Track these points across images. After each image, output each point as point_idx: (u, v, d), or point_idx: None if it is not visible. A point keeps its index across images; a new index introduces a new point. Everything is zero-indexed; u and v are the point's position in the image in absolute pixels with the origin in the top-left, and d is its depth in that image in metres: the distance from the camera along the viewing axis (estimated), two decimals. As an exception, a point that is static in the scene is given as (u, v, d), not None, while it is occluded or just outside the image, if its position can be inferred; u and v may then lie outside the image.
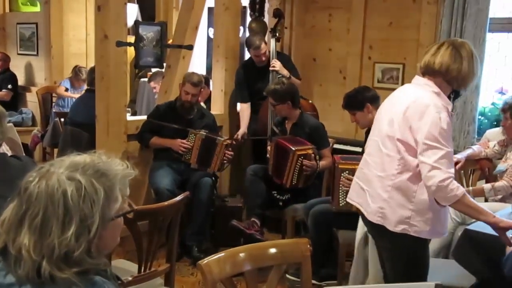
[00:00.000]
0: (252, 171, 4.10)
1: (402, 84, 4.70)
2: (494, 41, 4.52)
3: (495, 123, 4.36)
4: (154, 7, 7.16)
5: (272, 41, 4.78)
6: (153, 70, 6.31)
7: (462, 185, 3.24)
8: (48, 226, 1.18)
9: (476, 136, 4.28)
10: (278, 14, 4.98)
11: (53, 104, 6.57)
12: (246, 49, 4.94)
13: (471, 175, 3.86)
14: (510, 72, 4.53)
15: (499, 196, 3.34)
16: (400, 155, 2.28)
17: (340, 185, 3.35)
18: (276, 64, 4.62)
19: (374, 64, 4.94)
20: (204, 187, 4.00)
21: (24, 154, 4.17)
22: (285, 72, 4.60)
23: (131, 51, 4.92)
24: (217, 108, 5.05)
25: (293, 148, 3.79)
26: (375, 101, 3.60)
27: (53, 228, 1.17)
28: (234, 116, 5.08)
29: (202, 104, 4.77)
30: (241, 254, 1.88)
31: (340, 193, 3.35)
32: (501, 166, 3.48)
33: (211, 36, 5.95)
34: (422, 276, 2.33)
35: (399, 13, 4.75)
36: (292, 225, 3.98)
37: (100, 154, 1.30)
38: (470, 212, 2.27)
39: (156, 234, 2.54)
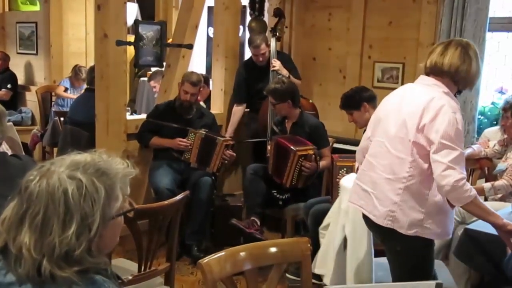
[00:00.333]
0: (252, 170, 4.10)
1: (402, 83, 4.71)
2: (493, 40, 4.53)
3: (495, 122, 4.36)
4: (154, 6, 7.17)
5: (273, 41, 4.78)
6: (153, 69, 6.31)
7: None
8: (48, 224, 1.18)
9: (476, 136, 4.28)
10: (278, 13, 4.98)
11: (53, 103, 6.56)
12: (246, 48, 4.94)
13: (471, 174, 3.86)
14: (509, 71, 4.54)
15: (499, 195, 3.35)
16: (412, 157, 2.25)
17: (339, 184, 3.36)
18: (276, 64, 4.61)
19: (374, 64, 4.95)
20: (204, 187, 3.99)
21: (23, 153, 4.16)
22: (284, 72, 4.60)
23: (130, 50, 4.92)
24: (217, 107, 5.05)
25: (294, 149, 3.79)
26: (372, 101, 3.62)
27: (54, 226, 1.17)
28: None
29: (202, 103, 4.77)
30: (242, 253, 1.88)
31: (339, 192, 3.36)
32: (501, 165, 3.48)
33: (211, 35, 5.95)
34: (428, 276, 2.32)
35: (399, 12, 4.75)
36: (292, 224, 3.98)
37: (101, 153, 1.29)
38: (480, 213, 2.26)
39: (156, 233, 2.54)
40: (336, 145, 4.62)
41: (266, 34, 4.98)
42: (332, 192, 3.47)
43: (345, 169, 3.40)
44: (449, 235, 2.38)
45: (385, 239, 2.44)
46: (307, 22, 5.39)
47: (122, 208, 1.29)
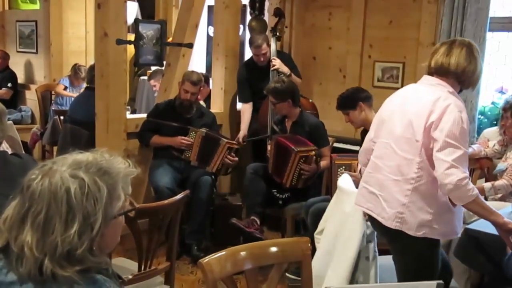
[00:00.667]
0: (252, 169, 4.10)
1: (402, 83, 4.71)
2: (494, 40, 4.53)
3: (495, 122, 4.36)
4: (154, 5, 7.16)
5: (273, 40, 4.78)
6: (153, 68, 6.31)
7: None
8: (51, 223, 1.17)
9: (476, 136, 4.28)
10: (278, 13, 4.98)
11: (52, 102, 6.56)
12: (246, 47, 4.94)
13: (471, 174, 3.86)
14: (510, 71, 4.54)
15: (499, 195, 3.35)
16: (421, 158, 2.25)
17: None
18: (276, 62, 4.61)
19: (374, 63, 4.94)
20: (204, 186, 3.99)
21: (23, 152, 4.16)
22: (285, 69, 4.60)
23: (130, 49, 4.92)
24: (217, 106, 5.05)
25: (295, 149, 3.78)
26: (368, 100, 3.63)
27: (56, 225, 1.17)
28: (234, 115, 5.07)
29: (202, 102, 4.77)
30: (242, 253, 1.88)
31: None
32: (501, 165, 3.49)
33: (211, 34, 5.94)
34: (433, 276, 2.32)
35: (399, 12, 4.75)
36: (291, 223, 3.98)
37: (103, 152, 1.29)
38: (481, 212, 2.25)
39: (156, 232, 2.54)
40: (336, 145, 4.62)
41: (266, 33, 4.98)
42: (332, 191, 3.47)
43: (343, 167, 3.41)
44: (457, 234, 2.38)
45: (392, 240, 2.43)
46: (307, 22, 5.38)
47: (124, 207, 1.29)
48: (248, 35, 5.29)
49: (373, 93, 3.84)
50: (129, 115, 4.61)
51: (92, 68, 4.85)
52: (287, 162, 3.83)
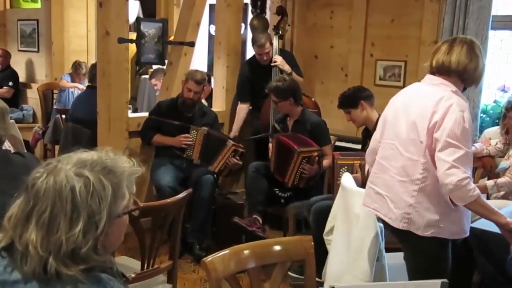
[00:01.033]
0: (254, 168, 4.09)
1: (404, 81, 4.71)
2: (496, 38, 4.52)
3: (497, 120, 4.35)
4: (155, 4, 7.16)
5: (275, 39, 4.77)
6: (154, 67, 6.31)
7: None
8: (55, 222, 1.17)
9: (478, 134, 4.27)
10: (281, 11, 4.97)
11: (54, 101, 6.56)
12: (247, 46, 4.93)
13: (474, 172, 3.86)
14: (512, 69, 4.53)
15: (502, 193, 3.34)
16: (425, 158, 2.25)
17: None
18: (278, 59, 4.61)
19: (376, 62, 4.94)
20: (206, 184, 3.99)
21: (25, 151, 4.16)
22: (286, 67, 4.60)
23: (132, 47, 4.92)
24: (219, 105, 5.05)
25: (298, 150, 3.77)
26: (369, 99, 3.63)
27: (61, 224, 1.17)
28: (235, 114, 5.07)
29: (203, 101, 4.76)
30: (245, 252, 1.88)
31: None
32: (503, 163, 3.48)
33: (213, 33, 5.94)
34: (444, 275, 2.32)
35: (401, 10, 4.74)
36: (293, 222, 3.98)
37: (107, 151, 1.29)
38: (483, 212, 2.25)
39: (158, 231, 2.54)
40: (338, 143, 4.62)
41: (268, 31, 4.97)
42: (334, 190, 3.46)
43: (345, 167, 3.39)
44: (466, 233, 2.36)
45: (402, 240, 2.44)
46: (309, 20, 5.38)
47: (128, 206, 1.29)
48: (250, 34, 5.29)
49: (375, 91, 3.84)
50: (130, 114, 4.62)
51: (93, 66, 4.85)
52: (289, 162, 3.82)
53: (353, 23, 5.03)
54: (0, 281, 1.19)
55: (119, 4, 4.01)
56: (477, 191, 2.17)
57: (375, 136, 2.60)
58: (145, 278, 2.54)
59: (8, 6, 7.62)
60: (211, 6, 5.76)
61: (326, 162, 3.93)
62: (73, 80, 6.37)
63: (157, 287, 2.65)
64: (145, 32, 4.42)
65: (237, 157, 4.10)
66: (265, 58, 4.65)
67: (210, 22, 6.42)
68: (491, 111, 4.53)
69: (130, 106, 5.22)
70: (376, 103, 3.71)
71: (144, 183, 4.35)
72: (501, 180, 3.34)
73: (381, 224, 2.61)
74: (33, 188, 1.20)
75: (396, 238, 2.50)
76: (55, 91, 6.65)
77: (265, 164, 4.14)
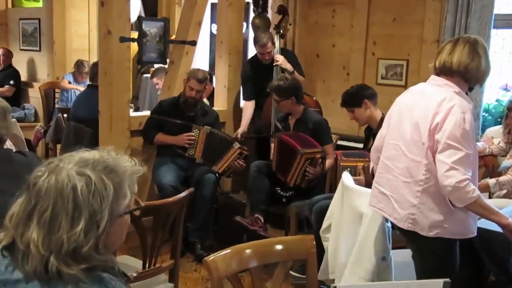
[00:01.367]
0: (255, 167, 4.09)
1: (406, 80, 4.70)
2: (498, 37, 4.51)
3: (499, 119, 4.35)
4: (157, 3, 7.16)
5: (276, 38, 4.77)
6: (156, 66, 6.31)
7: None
8: (57, 221, 1.17)
9: (480, 133, 4.27)
10: (282, 10, 4.97)
11: (57, 100, 6.57)
12: (249, 45, 4.93)
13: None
14: (514, 68, 4.53)
15: (504, 191, 3.33)
16: (427, 160, 2.26)
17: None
18: (279, 58, 4.61)
19: (377, 61, 4.93)
20: (208, 183, 3.99)
21: (27, 150, 4.16)
22: (288, 66, 4.60)
23: (133, 47, 4.91)
24: (220, 104, 5.05)
25: (302, 151, 3.75)
26: (373, 98, 3.62)
27: (62, 223, 1.17)
28: (237, 113, 5.07)
29: (205, 100, 4.76)
30: (247, 251, 1.87)
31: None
32: (506, 162, 3.47)
33: (214, 32, 5.93)
34: (452, 274, 2.32)
35: (403, 9, 4.73)
36: (295, 221, 3.97)
37: (109, 150, 1.29)
38: (483, 213, 2.25)
39: (160, 230, 2.53)
40: (339, 142, 4.62)
41: (270, 30, 4.96)
42: (336, 190, 3.45)
43: (348, 169, 3.37)
44: (473, 233, 2.35)
45: (409, 240, 2.46)
46: (311, 19, 5.37)
47: (130, 206, 1.29)
48: (251, 33, 5.28)
49: (377, 90, 3.83)
50: (132, 113, 4.62)
51: (94, 65, 4.85)
52: (292, 163, 3.81)
53: (355, 22, 5.03)
54: (2, 280, 1.19)
55: (121, 3, 4.01)
56: (477, 192, 2.18)
57: (381, 132, 2.60)
58: (146, 277, 2.54)
59: (10, 5, 7.63)
60: (213, 5, 5.76)
61: (328, 162, 3.93)
62: (75, 79, 6.37)
63: (158, 286, 2.65)
64: (147, 31, 4.41)
65: (242, 160, 4.09)
66: (267, 57, 4.64)
67: (212, 21, 6.42)
68: (493, 110, 4.53)
69: (132, 105, 5.22)
70: (378, 102, 3.70)
71: (145, 182, 4.35)
72: (503, 178, 3.34)
73: (389, 224, 2.61)
74: (34, 187, 1.20)
75: (404, 238, 2.52)
76: (56, 90, 6.66)
77: (267, 163, 4.14)
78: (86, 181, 1.19)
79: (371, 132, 3.69)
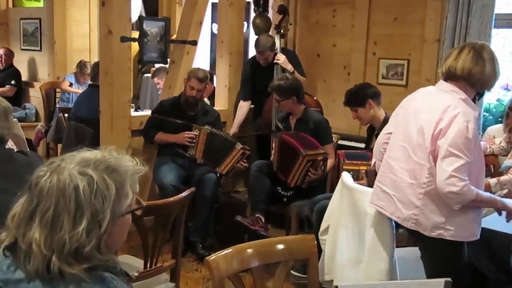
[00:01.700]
0: (256, 166, 4.08)
1: (407, 80, 4.71)
2: (499, 37, 4.51)
3: (500, 119, 4.34)
4: (157, 3, 7.16)
5: (277, 37, 4.77)
6: (156, 65, 6.31)
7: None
8: (59, 220, 1.17)
9: (481, 133, 4.27)
10: (283, 10, 4.97)
11: (57, 99, 6.58)
12: (250, 45, 4.94)
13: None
14: (515, 68, 4.52)
15: (505, 191, 3.33)
16: (429, 164, 2.29)
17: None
18: (281, 57, 4.61)
19: (378, 60, 4.94)
20: (209, 183, 3.99)
21: (28, 150, 4.16)
22: (289, 66, 4.60)
23: (134, 46, 4.91)
24: (221, 103, 5.05)
25: (304, 153, 3.74)
26: (376, 97, 3.61)
27: (64, 223, 1.17)
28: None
29: (206, 100, 4.76)
30: (249, 250, 1.88)
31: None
32: (507, 162, 3.47)
33: (215, 31, 5.94)
34: (459, 274, 2.33)
35: (404, 8, 4.73)
36: (296, 221, 3.97)
37: (111, 150, 1.29)
38: (483, 206, 2.34)
39: (161, 229, 2.54)
40: (340, 142, 4.61)
41: (270, 31, 4.97)
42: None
43: (351, 172, 3.36)
44: (476, 236, 2.37)
45: (415, 239, 2.50)
46: (311, 19, 5.37)
47: (131, 205, 1.29)
48: (252, 33, 5.29)
49: (378, 90, 3.83)
50: (133, 113, 4.62)
51: (95, 65, 4.85)
52: (293, 163, 3.80)
53: (356, 22, 5.03)
54: (4, 280, 1.19)
55: (122, 3, 4.01)
56: (475, 192, 2.22)
57: (388, 127, 2.64)
58: (148, 277, 2.54)
59: (10, 5, 7.63)
60: (214, 4, 5.76)
61: (330, 162, 3.92)
62: (77, 80, 6.38)
63: (160, 286, 2.65)
64: (148, 31, 4.41)
65: (244, 160, 4.09)
66: (262, 61, 4.68)
67: (213, 21, 6.42)
68: (494, 110, 4.53)
69: (133, 104, 5.22)
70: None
71: (146, 182, 4.35)
72: (504, 178, 3.33)
73: (393, 224, 2.62)
74: (36, 187, 1.20)
75: (411, 237, 2.56)
76: (57, 90, 6.66)
77: (267, 163, 4.13)
78: (88, 181, 1.19)
79: (373, 132, 3.69)
